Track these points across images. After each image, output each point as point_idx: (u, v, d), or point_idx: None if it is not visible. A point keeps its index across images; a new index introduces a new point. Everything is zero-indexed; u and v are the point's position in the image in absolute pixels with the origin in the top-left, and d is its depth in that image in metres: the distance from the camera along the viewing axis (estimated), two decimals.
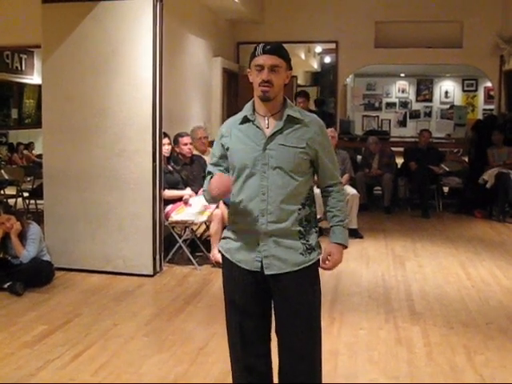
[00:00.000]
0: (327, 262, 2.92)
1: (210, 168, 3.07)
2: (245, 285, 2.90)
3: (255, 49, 2.82)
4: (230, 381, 3.92)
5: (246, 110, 2.91)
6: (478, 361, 4.30)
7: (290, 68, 2.88)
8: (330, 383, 3.16)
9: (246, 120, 2.89)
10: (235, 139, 2.89)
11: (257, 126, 2.85)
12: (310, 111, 10.39)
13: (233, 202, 2.92)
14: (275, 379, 3.05)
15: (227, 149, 2.92)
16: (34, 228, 6.08)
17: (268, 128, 2.84)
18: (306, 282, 2.88)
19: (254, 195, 2.82)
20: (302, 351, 2.87)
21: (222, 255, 3.01)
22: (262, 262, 2.84)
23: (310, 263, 2.88)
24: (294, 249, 2.85)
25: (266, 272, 2.83)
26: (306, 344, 2.87)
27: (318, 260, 2.93)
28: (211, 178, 2.90)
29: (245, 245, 2.88)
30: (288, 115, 2.83)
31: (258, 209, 2.82)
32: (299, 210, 2.85)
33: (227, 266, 2.98)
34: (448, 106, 19.11)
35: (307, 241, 2.87)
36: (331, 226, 2.97)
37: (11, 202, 9.53)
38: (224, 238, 3.02)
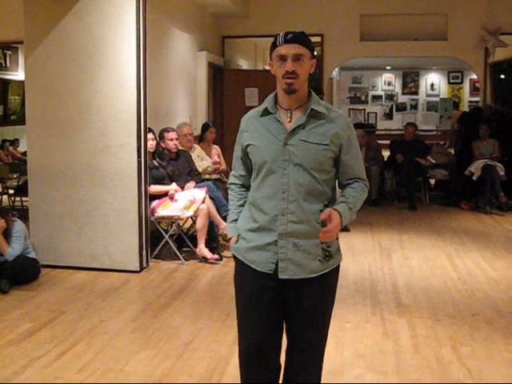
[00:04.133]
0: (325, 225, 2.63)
1: (231, 179, 2.98)
2: (259, 289, 2.73)
3: (275, 38, 2.67)
4: (217, 376, 3.94)
5: (268, 102, 2.76)
6: (465, 352, 4.31)
7: (314, 57, 2.71)
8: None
9: (266, 112, 2.74)
10: (255, 132, 2.75)
11: (277, 120, 2.70)
12: None
13: (252, 199, 2.78)
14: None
15: (247, 146, 2.78)
16: (18, 225, 6.03)
17: (290, 122, 2.69)
18: (320, 290, 2.74)
19: (273, 193, 2.68)
20: (309, 359, 2.79)
21: (234, 257, 2.86)
22: (276, 263, 2.68)
23: (327, 271, 2.73)
24: (313, 254, 2.69)
25: (280, 276, 2.68)
26: (314, 352, 2.80)
27: (337, 267, 2.80)
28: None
29: (260, 245, 2.72)
30: (312, 109, 2.68)
31: (277, 207, 2.67)
32: (321, 210, 2.67)
33: (239, 269, 2.82)
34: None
35: (328, 246, 2.72)
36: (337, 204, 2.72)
37: None
38: (238, 239, 2.82)
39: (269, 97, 2.79)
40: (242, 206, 2.88)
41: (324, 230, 2.59)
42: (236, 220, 2.87)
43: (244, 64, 13.47)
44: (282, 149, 2.66)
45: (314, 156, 2.66)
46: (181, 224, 7.25)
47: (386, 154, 11.11)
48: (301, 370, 2.81)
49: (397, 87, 20.47)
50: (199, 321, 4.91)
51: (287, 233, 2.67)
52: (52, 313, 5.12)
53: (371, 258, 6.95)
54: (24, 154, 11.26)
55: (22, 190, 8.85)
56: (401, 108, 20.39)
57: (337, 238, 2.79)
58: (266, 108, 2.74)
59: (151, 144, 6.71)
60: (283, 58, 2.64)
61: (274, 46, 2.69)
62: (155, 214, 6.68)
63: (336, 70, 14.52)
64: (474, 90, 17.99)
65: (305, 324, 2.75)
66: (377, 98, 20.54)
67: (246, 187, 2.90)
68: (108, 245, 6.32)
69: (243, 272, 2.80)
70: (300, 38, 2.65)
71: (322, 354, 2.85)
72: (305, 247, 2.68)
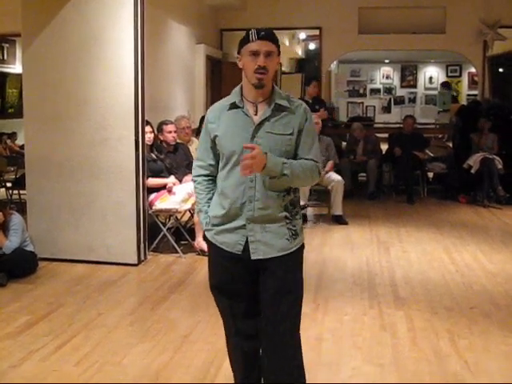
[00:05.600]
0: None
1: (197, 171, 3.06)
2: (232, 268, 2.93)
3: (247, 34, 2.81)
4: (214, 369, 3.94)
5: (235, 96, 2.89)
6: (462, 345, 4.32)
7: (279, 54, 2.87)
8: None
9: (234, 106, 2.87)
10: (224, 126, 2.87)
11: (245, 114, 2.84)
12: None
13: (221, 188, 2.93)
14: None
15: (215, 137, 2.91)
16: (16, 218, 6.02)
17: (256, 115, 2.84)
18: (290, 268, 2.90)
19: (241, 181, 2.83)
20: (282, 337, 2.87)
21: (208, 241, 3.04)
22: (244, 245, 2.87)
23: (295, 249, 2.92)
24: (280, 234, 2.87)
25: (253, 257, 2.86)
26: (285, 328, 2.88)
27: (302, 246, 2.99)
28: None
29: (229, 228, 2.90)
30: (276, 103, 2.83)
31: (245, 195, 2.83)
32: (284, 196, 2.87)
33: (213, 251, 3.02)
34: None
35: (293, 226, 2.91)
36: None
37: None
38: (209, 225, 3.00)
39: (234, 90, 2.93)
40: (210, 199, 3.02)
41: (242, 160, 2.68)
42: (207, 212, 3.02)
43: None
44: (249, 141, 2.79)
45: (280, 146, 2.82)
46: (179, 217, 7.24)
47: (384, 147, 11.10)
48: (276, 346, 2.88)
49: (395, 80, 20.42)
50: (197, 314, 4.91)
51: (254, 218, 2.85)
52: (50, 306, 5.12)
53: (369, 251, 6.95)
54: (22, 147, 11.22)
55: (19, 183, 8.84)
56: (399, 101, 20.35)
57: (299, 219, 2.98)
58: (234, 102, 2.88)
59: (149, 137, 6.70)
60: (256, 54, 2.79)
61: (245, 41, 2.84)
62: (153, 207, 6.67)
63: (334, 63, 14.51)
64: (473, 83, 17.95)
65: (276, 302, 2.86)
66: (375, 91, 20.49)
67: (213, 178, 3.03)
68: (106, 238, 6.31)
69: (216, 254, 2.99)
70: (271, 36, 2.82)
71: (297, 329, 2.93)
72: (271, 229, 2.87)
